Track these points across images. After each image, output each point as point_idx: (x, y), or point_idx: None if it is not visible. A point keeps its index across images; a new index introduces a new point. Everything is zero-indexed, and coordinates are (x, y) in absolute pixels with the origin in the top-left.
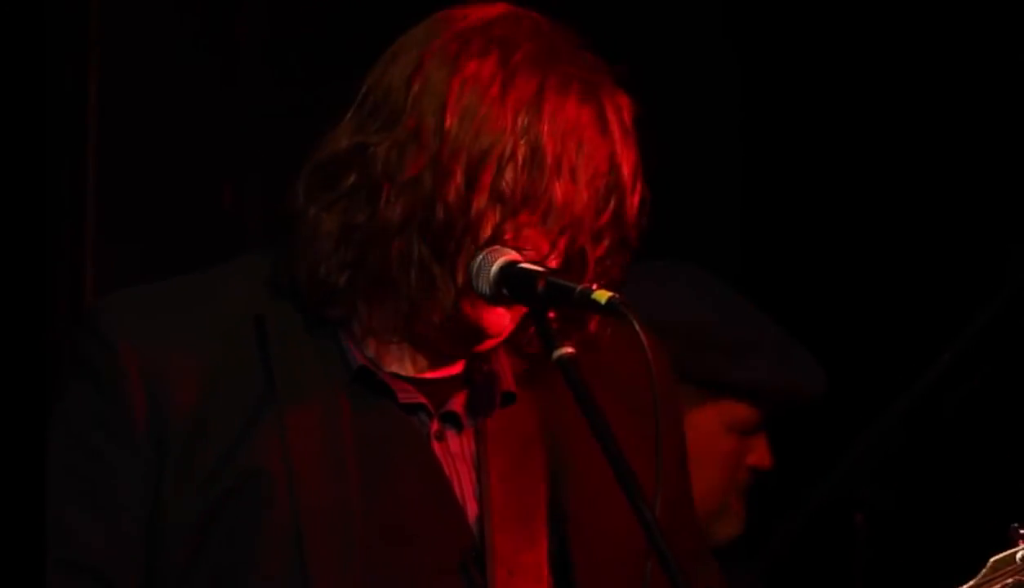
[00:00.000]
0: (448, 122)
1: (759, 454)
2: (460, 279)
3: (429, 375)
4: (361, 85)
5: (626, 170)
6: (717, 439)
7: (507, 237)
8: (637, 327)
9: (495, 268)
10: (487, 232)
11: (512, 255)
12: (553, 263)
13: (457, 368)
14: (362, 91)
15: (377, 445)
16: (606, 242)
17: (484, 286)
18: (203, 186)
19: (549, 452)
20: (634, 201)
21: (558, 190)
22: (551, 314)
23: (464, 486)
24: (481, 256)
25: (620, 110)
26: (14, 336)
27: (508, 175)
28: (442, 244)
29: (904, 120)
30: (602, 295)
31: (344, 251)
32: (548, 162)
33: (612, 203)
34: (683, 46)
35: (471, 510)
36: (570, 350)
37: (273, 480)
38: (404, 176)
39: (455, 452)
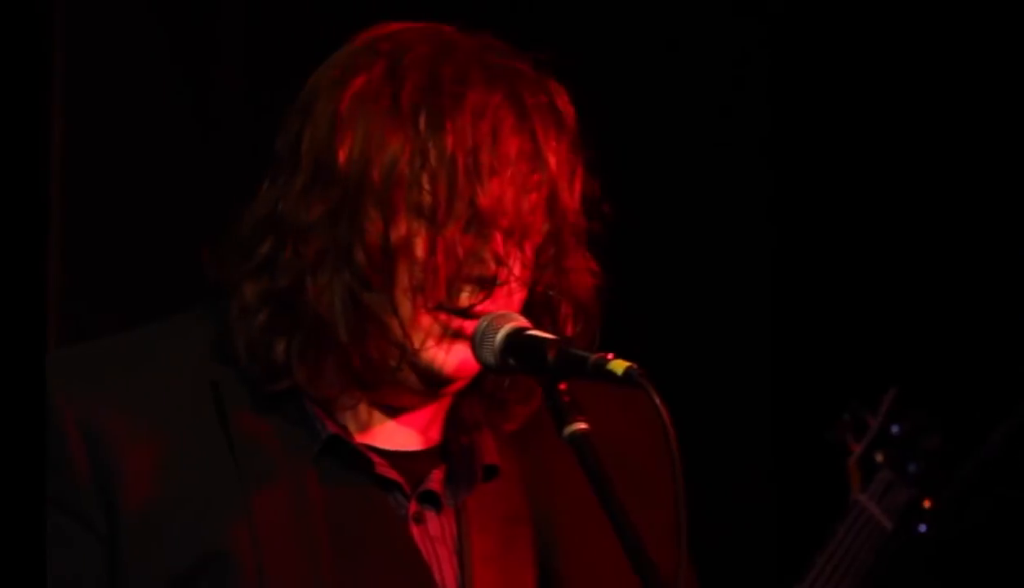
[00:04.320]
0: (342, 153)
1: None
2: (405, 311)
3: (404, 449)
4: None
5: (552, 160)
6: None
7: (443, 250)
8: (656, 400)
9: (500, 336)
10: (418, 252)
11: (519, 321)
12: (518, 275)
13: (434, 440)
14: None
15: (351, 528)
16: (554, 246)
17: (489, 356)
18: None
19: (536, 529)
20: (573, 194)
21: (480, 192)
22: (562, 386)
23: (445, 572)
24: (486, 323)
25: (539, 94)
26: None
27: (423, 187)
28: (371, 279)
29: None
30: (619, 365)
31: (275, 319)
32: (460, 163)
33: (545, 196)
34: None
35: None
36: (583, 426)
37: (241, 566)
38: (312, 220)
39: (435, 535)
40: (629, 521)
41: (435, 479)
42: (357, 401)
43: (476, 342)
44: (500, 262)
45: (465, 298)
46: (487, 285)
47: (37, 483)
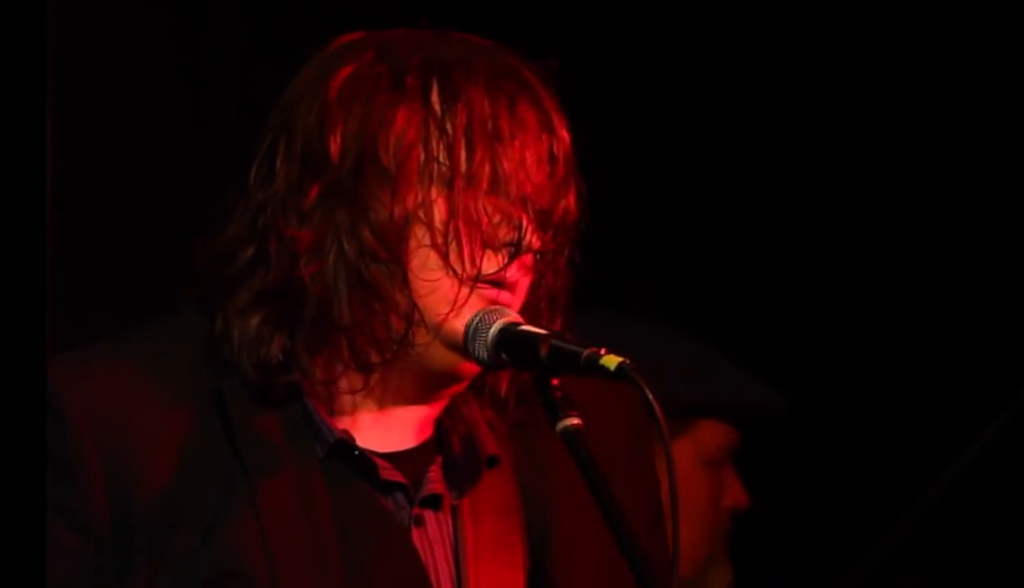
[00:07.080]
0: (335, 137)
1: (734, 492)
2: (423, 281)
3: (400, 448)
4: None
5: (565, 135)
6: (695, 477)
7: (464, 214)
8: (649, 395)
9: (493, 331)
10: (437, 219)
11: (512, 317)
12: (538, 247)
13: (427, 433)
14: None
15: (358, 536)
16: (561, 236)
17: (481, 351)
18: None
19: (529, 519)
20: (579, 183)
21: (501, 155)
22: (555, 381)
23: (441, 574)
24: (478, 318)
25: (539, 78)
26: None
27: (440, 159)
28: (379, 253)
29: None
30: (611, 360)
31: (270, 317)
32: (480, 129)
33: (561, 173)
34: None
35: None
36: (576, 421)
37: (254, 578)
38: (306, 209)
39: (433, 536)
40: (622, 515)
41: (435, 477)
42: (356, 396)
43: (469, 337)
44: (522, 230)
45: (487, 265)
46: (511, 251)
47: (37, 483)
